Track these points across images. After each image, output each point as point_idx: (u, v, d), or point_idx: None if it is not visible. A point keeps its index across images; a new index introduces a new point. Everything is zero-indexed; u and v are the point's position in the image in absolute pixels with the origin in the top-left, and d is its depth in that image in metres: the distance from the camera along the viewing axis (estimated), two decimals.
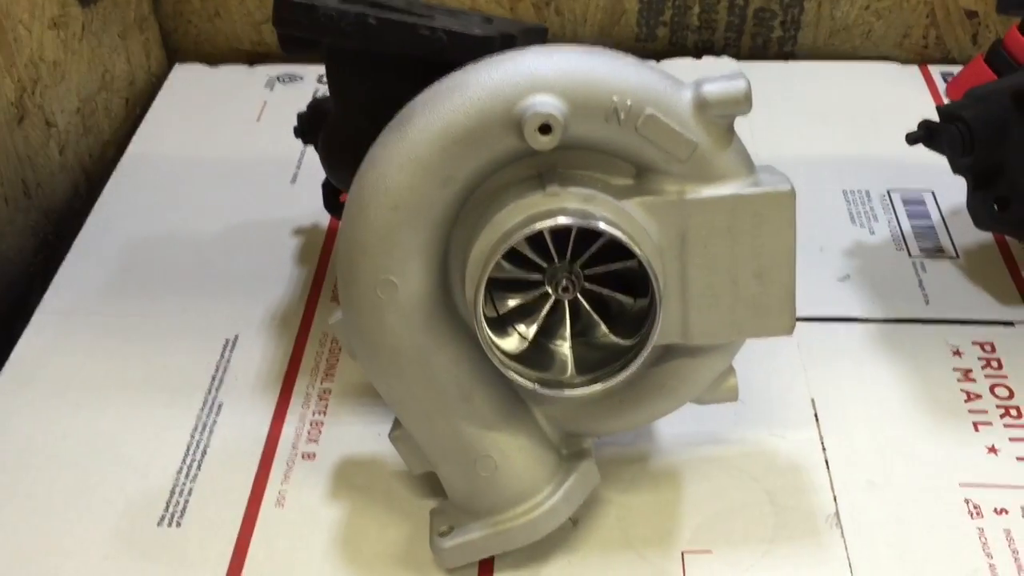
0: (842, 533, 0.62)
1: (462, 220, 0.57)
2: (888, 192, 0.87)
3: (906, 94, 0.99)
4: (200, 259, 0.83)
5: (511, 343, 0.58)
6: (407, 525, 0.64)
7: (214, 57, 1.05)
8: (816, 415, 0.69)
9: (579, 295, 0.57)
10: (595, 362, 0.57)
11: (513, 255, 0.57)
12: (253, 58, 1.05)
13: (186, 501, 0.66)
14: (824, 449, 0.67)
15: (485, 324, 0.54)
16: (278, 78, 1.03)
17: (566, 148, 0.55)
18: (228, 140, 0.96)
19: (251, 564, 0.62)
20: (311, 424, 0.70)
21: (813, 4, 1.00)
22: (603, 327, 0.58)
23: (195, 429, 0.70)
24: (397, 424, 0.62)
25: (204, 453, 0.68)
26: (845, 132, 0.94)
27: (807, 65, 1.04)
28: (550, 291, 0.57)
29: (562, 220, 0.53)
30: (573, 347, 0.59)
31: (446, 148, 0.53)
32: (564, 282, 0.56)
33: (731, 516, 0.64)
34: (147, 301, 0.79)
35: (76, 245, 0.84)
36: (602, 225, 0.53)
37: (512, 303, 0.58)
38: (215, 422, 0.70)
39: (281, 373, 0.73)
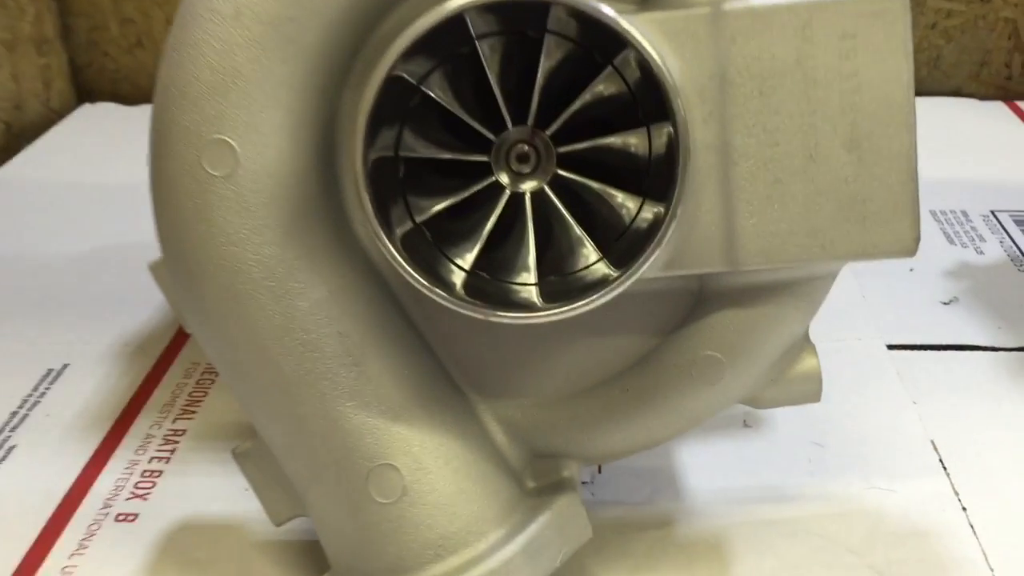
0: None
1: (359, 76, 0.35)
2: (993, 212, 0.65)
3: (991, 130, 0.78)
4: (47, 281, 0.62)
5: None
6: None
7: (135, 97, 0.86)
8: (942, 462, 0.44)
9: (547, 188, 0.34)
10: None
11: (442, 128, 0.34)
12: None
13: None
14: (964, 509, 0.41)
15: (369, 196, 0.31)
16: None
17: None
18: (129, 170, 0.75)
19: None
20: (143, 474, 0.45)
21: None
22: (588, 244, 0.34)
23: None
24: (253, 435, 0.37)
25: None
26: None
27: None
28: (501, 180, 0.34)
29: None
30: (541, 285, 0.34)
31: None
32: (523, 148, 0.33)
33: None
34: None
35: None
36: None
37: (439, 207, 0.34)
38: None
39: (117, 409, 0.50)
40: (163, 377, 0.52)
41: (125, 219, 0.68)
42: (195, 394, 0.51)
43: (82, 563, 0.41)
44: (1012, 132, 0.78)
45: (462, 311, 0.33)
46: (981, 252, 0.61)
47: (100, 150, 0.79)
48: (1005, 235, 0.62)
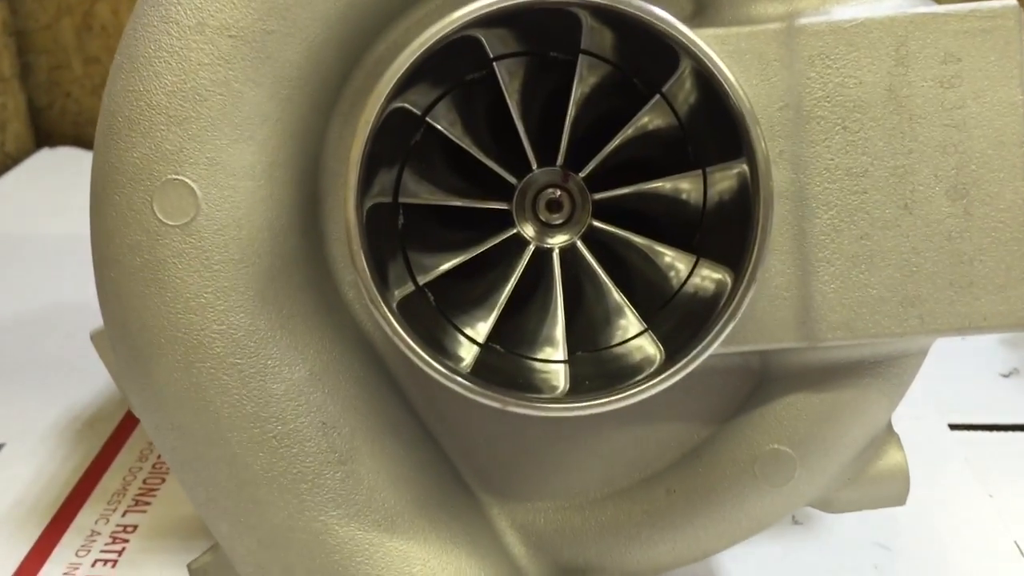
0: None
1: (349, 105, 0.29)
2: None
3: None
4: None
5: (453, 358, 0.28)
6: None
7: None
8: None
9: (580, 243, 0.27)
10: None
11: (451, 170, 0.28)
12: None
13: None
14: None
15: (363, 252, 0.25)
16: None
17: None
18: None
19: None
20: None
21: None
22: (629, 313, 0.28)
23: None
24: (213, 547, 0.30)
25: None
26: None
27: None
28: (525, 232, 0.28)
29: None
30: (570, 363, 0.28)
31: None
32: (554, 193, 0.27)
33: None
34: None
35: None
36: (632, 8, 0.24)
37: (447, 265, 0.28)
38: None
39: (58, 499, 0.43)
40: (114, 460, 0.45)
41: (82, 275, 0.61)
42: (151, 480, 0.44)
43: None
44: None
45: (473, 396, 0.26)
46: None
47: (58, 198, 0.72)
48: None
